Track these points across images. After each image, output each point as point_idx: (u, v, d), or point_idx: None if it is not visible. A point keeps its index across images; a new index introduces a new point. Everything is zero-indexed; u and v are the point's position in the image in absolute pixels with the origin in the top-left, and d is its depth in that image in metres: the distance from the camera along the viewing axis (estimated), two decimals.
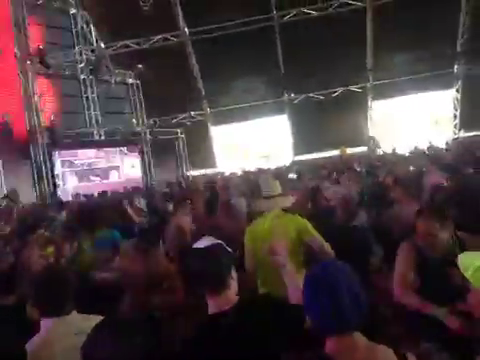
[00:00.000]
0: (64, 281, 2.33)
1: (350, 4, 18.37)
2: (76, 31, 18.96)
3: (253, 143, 20.97)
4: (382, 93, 20.11)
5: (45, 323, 2.20)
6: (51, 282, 2.29)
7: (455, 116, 20.31)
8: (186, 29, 19.27)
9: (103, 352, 1.57)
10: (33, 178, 14.52)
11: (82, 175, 16.21)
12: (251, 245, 3.37)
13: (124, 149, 17.97)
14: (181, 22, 19.13)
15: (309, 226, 3.34)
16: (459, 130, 20.08)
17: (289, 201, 3.57)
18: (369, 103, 20.52)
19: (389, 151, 16.08)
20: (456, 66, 19.58)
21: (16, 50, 15.23)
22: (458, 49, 19.00)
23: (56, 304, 2.23)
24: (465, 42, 18.71)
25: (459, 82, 19.85)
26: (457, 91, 20.02)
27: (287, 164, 16.39)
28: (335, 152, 18.36)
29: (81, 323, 2.18)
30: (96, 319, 2.19)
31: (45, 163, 14.87)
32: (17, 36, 15.32)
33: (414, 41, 17.82)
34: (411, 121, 20.23)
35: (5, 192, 12.06)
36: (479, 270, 1.64)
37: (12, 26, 15.17)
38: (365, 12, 18.60)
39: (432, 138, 17.07)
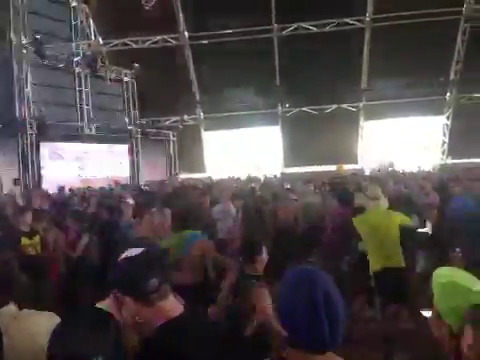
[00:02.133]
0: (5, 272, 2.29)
1: (349, 24, 18.62)
2: (75, 24, 18.81)
3: (244, 151, 20.96)
4: (374, 113, 20.36)
5: None
6: None
7: (444, 142, 20.65)
8: (186, 33, 19.27)
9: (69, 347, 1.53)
10: (19, 168, 14.23)
11: (68, 169, 15.94)
12: (368, 230, 4.76)
13: (113, 146, 17.77)
14: (181, 25, 19.13)
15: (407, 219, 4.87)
16: (447, 157, 20.40)
17: (386, 201, 5.03)
18: (361, 122, 20.75)
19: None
20: (448, 94, 19.97)
21: (12, 37, 15.02)
22: (451, 77, 19.38)
23: None
24: (458, 71, 19.10)
25: (450, 110, 20.22)
26: (447, 118, 20.38)
27: (277, 175, 16.39)
28: (324, 168, 18.42)
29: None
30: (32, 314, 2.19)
31: (32, 154, 14.59)
32: (14, 23, 15.12)
33: (409, 66, 18.12)
34: (401, 143, 20.48)
35: None
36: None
37: (10, 13, 15.00)
38: (363, 33, 18.89)
39: (420, 162, 17.31)
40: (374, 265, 4.70)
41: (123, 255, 1.84)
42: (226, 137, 21.35)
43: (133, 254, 1.81)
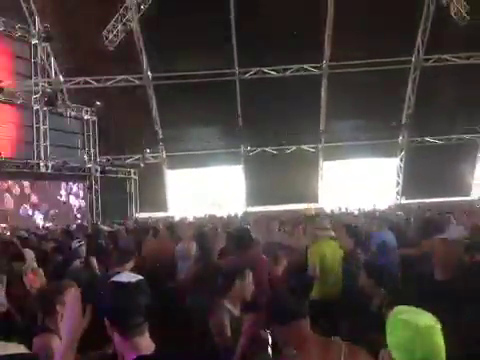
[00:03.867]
0: None
1: (307, 70, 19.46)
2: (35, 62, 18.59)
3: (207, 190, 20.90)
4: (333, 155, 21.07)
5: None
6: None
7: (398, 183, 21.52)
8: (149, 73, 19.45)
9: None
10: None
11: (23, 208, 15.27)
12: (318, 258, 4.95)
13: (71, 184, 17.27)
14: (145, 65, 19.31)
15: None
16: (401, 197, 21.21)
17: (332, 233, 5.45)
18: (320, 163, 21.35)
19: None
20: (400, 137, 21.01)
21: None
22: (403, 122, 20.45)
23: None
24: (409, 116, 20.21)
25: (402, 152, 21.22)
26: (400, 160, 21.35)
27: (239, 214, 16.35)
28: (286, 207, 18.60)
29: None
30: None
31: None
32: None
33: (364, 110, 19.05)
34: (358, 184, 21.13)
35: None
36: None
37: None
38: (321, 78, 19.76)
39: (376, 202, 17.85)
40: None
41: (113, 278, 1.77)
42: (189, 176, 21.27)
43: (125, 281, 1.74)
